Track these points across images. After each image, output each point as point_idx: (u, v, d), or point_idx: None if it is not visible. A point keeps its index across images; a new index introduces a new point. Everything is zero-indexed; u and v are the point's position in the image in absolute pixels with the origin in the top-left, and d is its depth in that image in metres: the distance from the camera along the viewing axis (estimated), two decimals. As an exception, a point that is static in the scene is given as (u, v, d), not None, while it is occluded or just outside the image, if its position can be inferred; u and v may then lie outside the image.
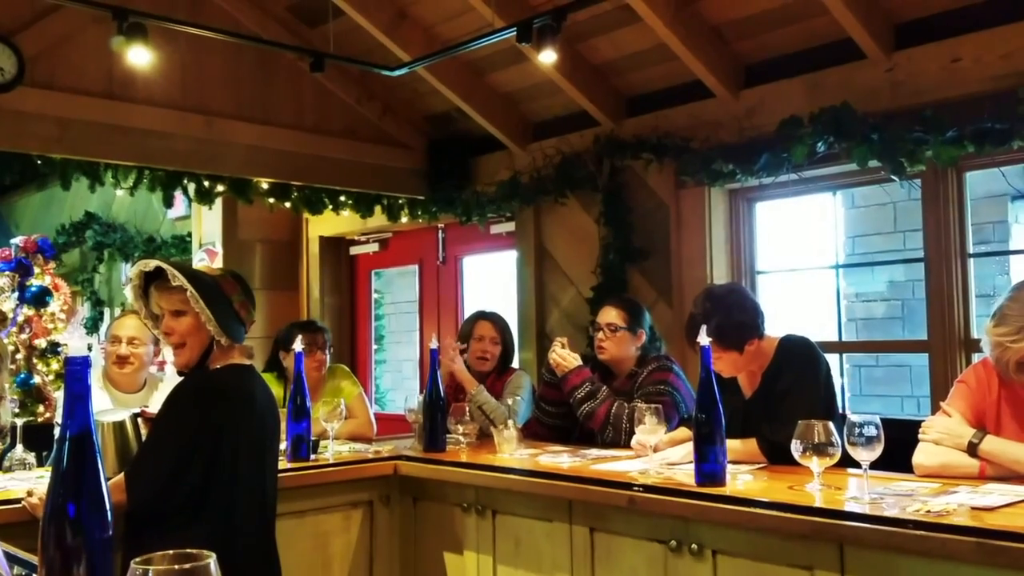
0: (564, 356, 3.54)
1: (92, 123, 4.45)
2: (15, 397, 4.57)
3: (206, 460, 2.49)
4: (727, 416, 2.56)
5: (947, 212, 3.79)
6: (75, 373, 1.15)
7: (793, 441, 2.34)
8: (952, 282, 3.77)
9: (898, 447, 2.44)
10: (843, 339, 5.04)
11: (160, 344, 3.71)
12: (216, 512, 2.50)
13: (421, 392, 3.88)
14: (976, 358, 3.53)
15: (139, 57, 3.79)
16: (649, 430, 2.73)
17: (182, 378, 2.68)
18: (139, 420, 2.98)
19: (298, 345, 3.37)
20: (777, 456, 2.73)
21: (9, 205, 9.77)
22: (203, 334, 2.58)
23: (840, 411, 3.03)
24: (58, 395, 4.61)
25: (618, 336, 3.54)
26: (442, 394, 3.47)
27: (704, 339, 2.56)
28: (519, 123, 5.24)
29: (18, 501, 2.56)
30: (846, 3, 3.57)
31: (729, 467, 2.56)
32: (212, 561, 0.94)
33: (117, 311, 7.58)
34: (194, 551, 0.95)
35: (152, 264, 2.62)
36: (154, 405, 3.17)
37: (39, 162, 4.52)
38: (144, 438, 2.83)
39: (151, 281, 2.64)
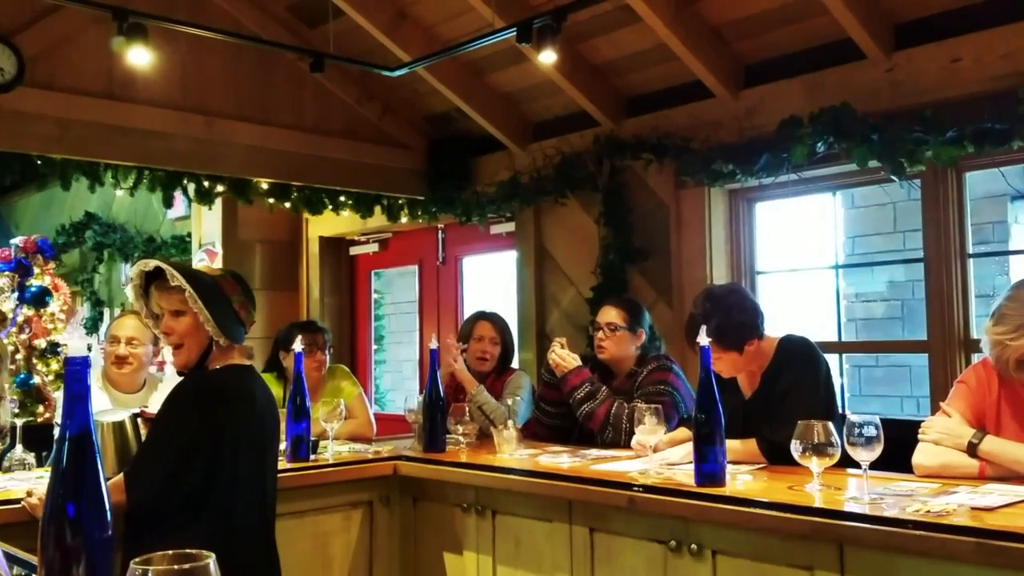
0: (563, 357, 3.54)
1: (92, 123, 4.45)
2: (15, 397, 4.56)
3: (206, 460, 2.49)
4: (727, 416, 2.56)
5: (947, 212, 3.79)
6: (75, 373, 1.15)
7: (793, 441, 2.34)
8: (952, 282, 3.77)
9: (898, 447, 2.44)
10: (843, 339, 5.04)
11: (160, 344, 3.71)
12: (216, 512, 2.50)
13: (421, 392, 3.88)
14: (976, 358, 3.53)
15: (139, 57, 3.79)
16: (649, 430, 2.73)
17: (182, 378, 2.68)
18: (139, 420, 2.98)
19: (298, 345, 3.37)
20: (777, 456, 2.73)
21: (9, 205, 9.78)
22: (202, 334, 2.58)
23: (840, 411, 3.03)
24: (58, 395, 4.60)
25: (618, 335, 3.54)
26: (442, 394, 3.47)
27: (704, 339, 2.56)
28: (519, 123, 5.24)
29: (18, 501, 2.56)
30: (846, 3, 3.57)
31: (729, 467, 2.56)
32: (211, 561, 0.94)
33: (117, 311, 7.58)
34: (193, 551, 0.95)
35: (152, 264, 2.62)
36: (154, 405, 3.17)
37: (39, 162, 4.52)
38: (144, 438, 2.83)
39: (152, 281, 2.65)
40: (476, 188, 5.43)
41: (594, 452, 3.27)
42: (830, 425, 2.33)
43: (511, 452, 3.30)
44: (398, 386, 7.18)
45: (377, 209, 5.74)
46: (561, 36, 3.76)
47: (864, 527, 2.09)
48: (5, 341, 4.52)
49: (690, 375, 3.47)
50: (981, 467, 2.42)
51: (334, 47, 4.61)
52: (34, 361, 4.87)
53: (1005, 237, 6.21)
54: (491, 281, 6.27)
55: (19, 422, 3.32)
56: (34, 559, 1.32)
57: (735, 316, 2.91)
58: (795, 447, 2.34)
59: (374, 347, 6.83)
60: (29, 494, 2.55)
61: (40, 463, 3.25)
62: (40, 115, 4.29)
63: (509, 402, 3.90)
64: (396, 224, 5.92)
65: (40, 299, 4.97)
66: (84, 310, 8.07)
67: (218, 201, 5.71)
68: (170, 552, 0.95)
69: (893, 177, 3.69)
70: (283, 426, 3.08)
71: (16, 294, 4.94)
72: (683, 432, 3.05)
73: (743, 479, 2.60)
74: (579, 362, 3.55)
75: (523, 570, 3.00)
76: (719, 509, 2.39)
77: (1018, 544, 1.86)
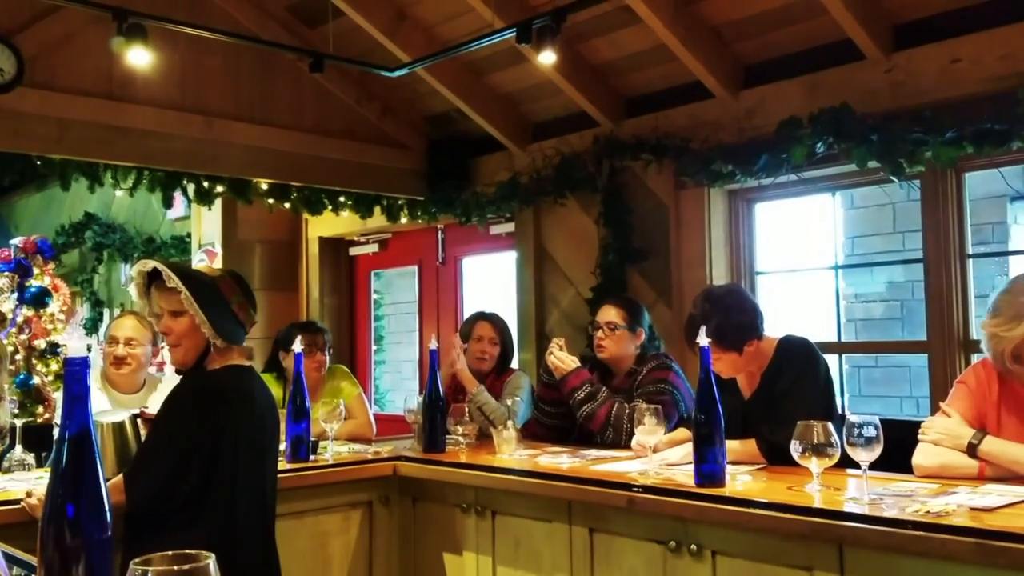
0: (562, 359, 3.54)
1: (91, 124, 4.45)
2: (14, 398, 4.56)
3: (205, 461, 2.49)
4: (726, 417, 2.56)
5: (946, 213, 3.79)
6: (74, 374, 1.15)
7: (792, 442, 2.34)
8: (951, 283, 3.77)
9: (897, 448, 2.44)
10: (842, 340, 5.04)
11: (159, 344, 3.72)
12: (216, 513, 2.50)
13: (420, 393, 3.88)
14: (976, 359, 3.53)
15: (139, 58, 3.79)
16: (648, 431, 2.73)
17: (181, 379, 2.68)
18: (138, 421, 2.98)
19: (297, 346, 3.37)
20: (776, 457, 2.73)
21: (9, 206, 9.77)
22: (199, 335, 2.58)
23: (839, 412, 3.03)
24: (57, 396, 4.60)
25: (617, 335, 3.54)
26: (441, 395, 3.47)
27: (703, 340, 2.56)
28: (519, 124, 5.24)
29: (17, 502, 2.56)
30: (845, 4, 3.57)
31: (728, 468, 2.56)
32: (211, 562, 0.94)
33: (116, 312, 7.58)
34: (193, 552, 0.95)
35: (150, 265, 2.62)
36: (153, 406, 3.17)
37: (39, 163, 4.52)
38: (143, 439, 2.83)
39: (154, 280, 2.65)
40: (476, 188, 5.43)
41: (594, 452, 3.27)
42: (830, 425, 2.33)
43: (511, 452, 3.30)
44: (398, 386, 7.18)
45: (377, 209, 5.74)
46: (561, 36, 3.76)
47: (864, 527, 2.09)
48: (5, 342, 4.52)
49: (690, 375, 3.47)
50: (981, 467, 2.42)
51: (334, 47, 4.61)
52: (34, 362, 4.86)
53: (1004, 238, 6.22)
54: (491, 281, 6.27)
55: (19, 423, 3.32)
56: (33, 560, 1.31)
57: (734, 317, 2.91)
58: (795, 447, 2.34)
59: (374, 347, 6.83)
60: (28, 495, 2.55)
61: (40, 464, 3.25)
62: (40, 115, 4.29)
63: (508, 402, 3.90)
64: (396, 224, 5.92)
65: (40, 299, 4.97)
66: (84, 311, 8.07)
67: (218, 201, 5.71)
68: (170, 553, 0.95)
69: (892, 178, 3.69)
70: (283, 426, 3.08)
71: (16, 294, 4.94)
72: (683, 432, 3.05)
73: (742, 479, 2.60)
74: (577, 363, 3.55)
75: (523, 570, 3.00)
76: (719, 509, 2.39)
77: (1017, 544, 1.86)
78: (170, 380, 3.39)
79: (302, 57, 4.68)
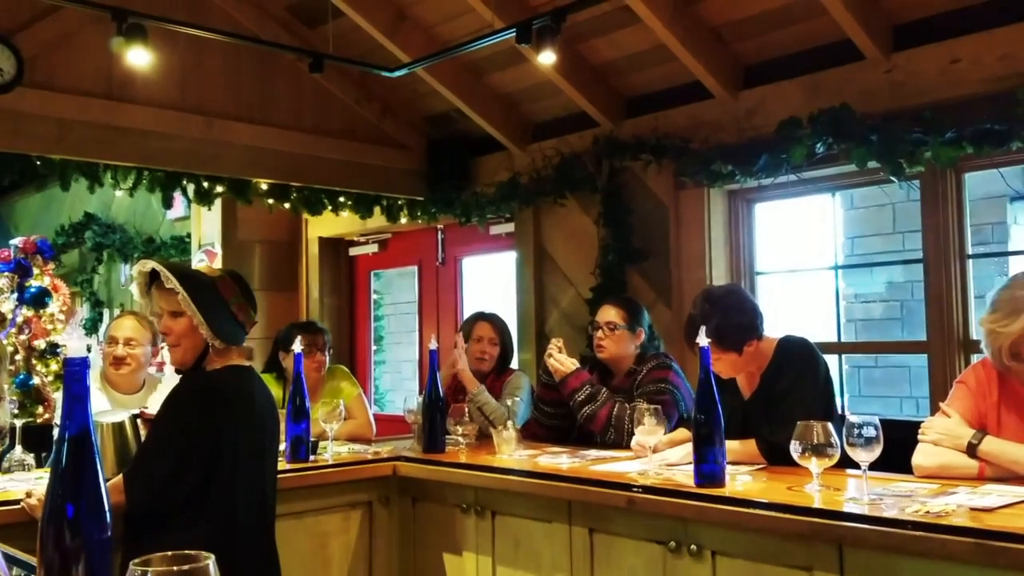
0: (562, 360, 3.53)
1: (91, 124, 4.45)
2: (14, 398, 4.56)
3: (205, 461, 2.49)
4: (726, 417, 2.56)
5: (946, 213, 3.79)
6: (74, 374, 1.15)
7: (792, 442, 2.34)
8: (951, 283, 3.78)
9: (897, 448, 2.44)
10: (842, 340, 5.04)
11: (158, 344, 3.72)
12: (215, 513, 2.50)
13: (420, 393, 3.88)
14: (975, 359, 3.53)
15: (138, 58, 3.79)
16: (648, 431, 2.73)
17: (180, 379, 2.68)
18: (138, 421, 2.98)
19: (297, 346, 3.37)
20: (776, 457, 2.73)
21: (8, 206, 9.77)
22: (198, 336, 2.58)
23: (839, 412, 3.03)
24: (57, 396, 4.60)
25: (617, 335, 3.54)
26: (441, 395, 3.47)
27: (703, 340, 2.56)
28: (518, 124, 5.24)
29: (17, 502, 2.56)
30: (845, 4, 3.57)
31: (728, 468, 2.56)
32: (211, 562, 0.94)
33: (116, 312, 7.58)
34: (192, 552, 0.95)
35: (149, 265, 2.62)
36: (153, 406, 3.16)
37: (38, 163, 4.52)
38: (143, 439, 2.83)
39: (155, 279, 2.65)
40: (475, 189, 5.43)
41: (593, 453, 3.27)
42: (829, 426, 2.33)
43: (510, 453, 3.30)
44: (397, 387, 7.18)
45: (376, 210, 5.74)
46: (560, 37, 3.76)
47: (863, 528, 2.09)
48: (4, 342, 4.52)
49: (689, 376, 3.47)
50: (980, 468, 2.42)
51: (333, 47, 4.61)
52: (33, 362, 4.87)
53: (1004, 238, 6.22)
54: (490, 282, 6.27)
55: (18, 423, 3.32)
56: (33, 560, 1.31)
57: (734, 317, 2.91)
58: (794, 448, 2.34)
59: (373, 348, 6.83)
60: (28, 495, 2.55)
61: (39, 464, 3.25)
62: (39, 115, 4.29)
63: (508, 402, 3.91)
64: (395, 225, 5.92)
65: (39, 300, 4.98)
66: (83, 311, 8.07)
67: (217, 202, 5.71)
68: (169, 553, 0.95)
69: (892, 178, 3.69)
70: (282, 427, 3.08)
71: (16, 295, 4.94)
72: (682, 433, 3.06)
73: (742, 480, 2.60)
74: (577, 365, 3.55)
75: (522, 571, 3.00)
76: (718, 510, 2.39)
77: (1017, 545, 1.86)
78: (170, 380, 3.39)
79: (302, 57, 4.69)
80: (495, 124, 5.15)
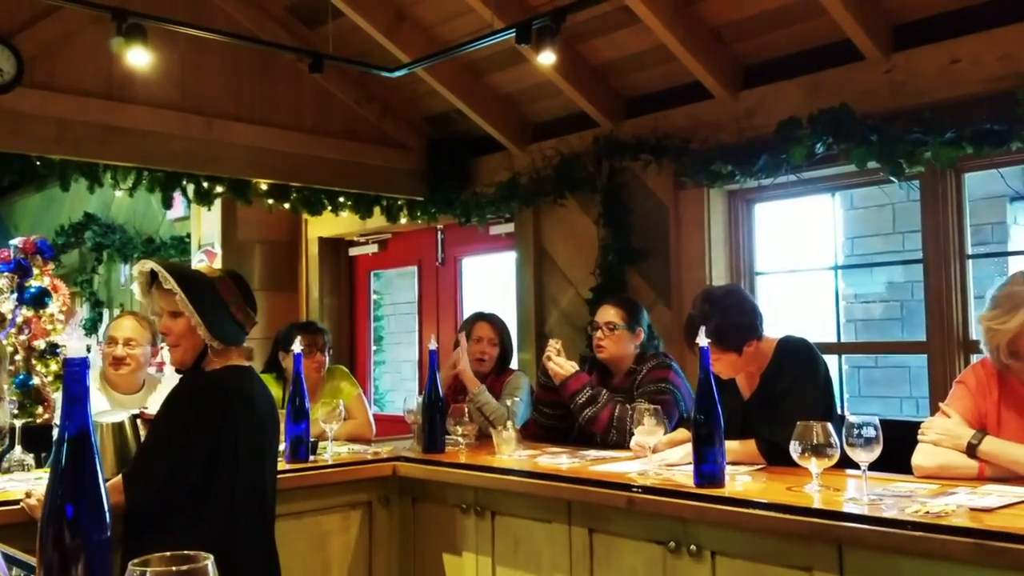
0: (561, 364, 3.53)
1: (91, 124, 4.45)
2: (14, 398, 4.56)
3: (204, 461, 2.49)
4: (726, 417, 2.56)
5: (946, 213, 3.79)
6: (73, 374, 1.15)
7: (792, 442, 2.34)
8: (951, 283, 3.78)
9: (897, 448, 2.44)
10: (842, 340, 5.04)
11: (158, 345, 3.72)
12: (215, 513, 2.50)
13: (420, 393, 3.88)
14: (975, 359, 3.53)
15: (138, 58, 3.79)
16: (648, 431, 2.73)
17: (180, 379, 2.68)
18: (138, 421, 2.98)
19: (297, 346, 3.37)
20: (776, 457, 2.73)
21: (8, 206, 9.77)
22: (197, 336, 2.58)
23: (839, 412, 3.03)
24: (57, 396, 4.60)
25: (616, 335, 3.55)
26: (441, 395, 3.47)
27: (703, 340, 2.56)
28: (518, 124, 5.24)
29: (16, 502, 2.56)
30: (845, 4, 3.57)
31: (728, 468, 2.56)
32: (210, 563, 0.94)
33: (116, 312, 7.58)
34: (191, 552, 0.95)
35: (148, 266, 2.62)
36: (153, 406, 3.16)
37: (38, 163, 4.52)
38: (143, 439, 2.83)
39: (156, 279, 2.65)
40: (475, 189, 5.43)
41: (593, 453, 3.27)
42: (829, 426, 2.33)
43: (510, 453, 3.30)
44: (397, 387, 7.18)
45: (376, 210, 5.74)
46: (560, 37, 3.76)
47: (863, 528, 2.09)
48: (4, 342, 4.52)
49: (689, 376, 3.47)
50: (980, 468, 2.42)
51: (333, 48, 4.61)
52: (33, 362, 4.87)
53: (1004, 238, 6.22)
54: (490, 282, 6.27)
55: (18, 423, 3.32)
56: (33, 560, 1.31)
57: (734, 317, 2.91)
58: (794, 448, 2.34)
59: (373, 348, 6.83)
60: (28, 495, 2.55)
61: (39, 464, 3.25)
62: (39, 116, 4.29)
63: (508, 403, 3.91)
64: (395, 225, 5.92)
65: (39, 300, 4.98)
66: (83, 311, 8.07)
67: (217, 202, 5.71)
68: (168, 553, 0.95)
69: (892, 178, 3.69)
70: (282, 427, 3.08)
71: (15, 295, 4.94)
72: (682, 433, 3.06)
73: (742, 480, 2.60)
74: (576, 367, 3.55)
75: (522, 571, 3.00)
76: (718, 510, 2.39)
77: (1017, 545, 1.87)
78: (170, 380, 3.40)
79: (302, 57, 4.69)
80: (495, 124, 5.15)
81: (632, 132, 4.66)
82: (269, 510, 2.72)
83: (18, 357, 4.86)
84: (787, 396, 2.85)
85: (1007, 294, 2.44)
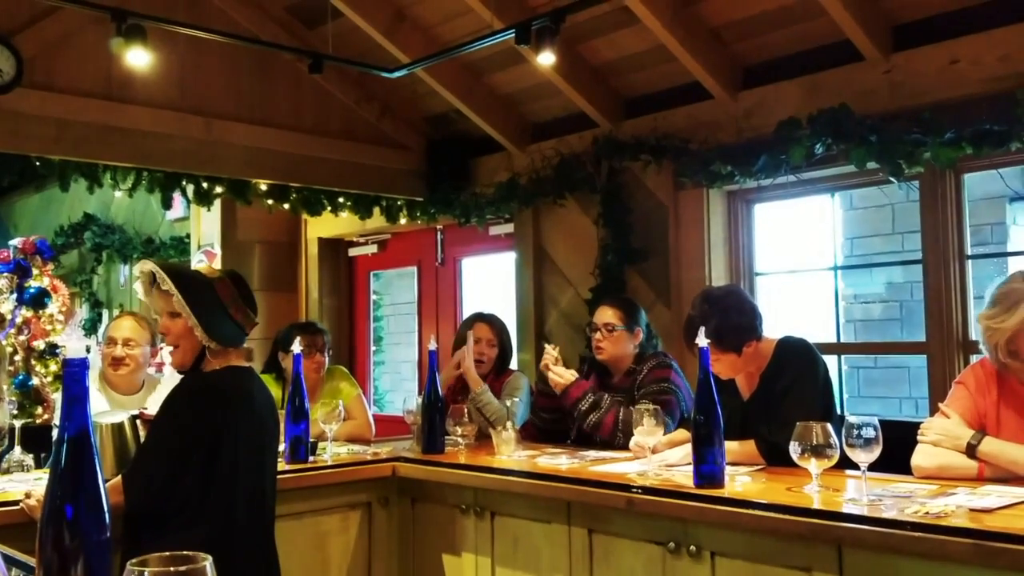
0: (560, 373, 3.53)
1: (91, 124, 4.45)
2: (13, 399, 4.56)
3: (204, 461, 2.49)
4: (725, 418, 2.56)
5: (945, 214, 3.79)
6: (73, 375, 1.15)
7: (791, 443, 2.34)
8: (950, 284, 3.78)
9: (896, 449, 2.44)
10: (841, 341, 5.04)
11: (157, 345, 3.72)
12: (215, 513, 2.50)
13: (420, 393, 3.88)
14: (975, 359, 3.53)
15: (138, 58, 3.79)
16: (647, 431, 2.73)
17: (180, 379, 2.68)
18: (137, 422, 2.98)
19: (297, 347, 3.37)
20: (775, 458, 2.73)
21: (8, 206, 9.77)
22: (195, 337, 2.58)
23: (838, 413, 3.04)
24: (56, 397, 4.60)
25: (615, 335, 3.55)
26: (440, 395, 3.47)
27: (702, 341, 2.56)
28: (518, 124, 5.24)
29: (16, 503, 2.56)
30: (844, 5, 3.57)
31: (727, 469, 2.56)
32: (208, 563, 0.94)
33: (115, 312, 7.58)
34: (190, 553, 0.95)
35: (148, 266, 2.62)
36: (152, 406, 3.16)
37: (38, 163, 4.52)
38: (142, 440, 2.83)
39: (155, 281, 2.65)
40: (475, 189, 5.43)
41: (592, 453, 3.27)
42: (829, 426, 2.33)
43: (510, 453, 3.30)
44: (397, 387, 7.18)
45: (376, 210, 5.74)
46: (560, 37, 3.76)
47: (862, 528, 2.09)
48: (4, 342, 4.52)
49: (689, 376, 3.47)
50: (980, 468, 2.42)
51: (333, 48, 4.61)
52: (33, 362, 4.86)
53: (1003, 238, 6.22)
54: (490, 282, 6.27)
55: (18, 423, 3.32)
56: (32, 561, 1.31)
57: (733, 318, 2.91)
58: (794, 448, 2.34)
59: (373, 348, 6.83)
60: (27, 496, 2.55)
61: (38, 464, 3.25)
62: (39, 116, 4.29)
63: (508, 403, 3.91)
64: (395, 225, 5.92)
65: (39, 300, 4.97)
66: (83, 311, 8.06)
67: (217, 202, 5.71)
68: (167, 553, 0.95)
69: (891, 179, 3.69)
70: (282, 427, 3.08)
71: (15, 295, 4.94)
72: (682, 433, 3.06)
73: (741, 480, 2.60)
74: (575, 375, 3.55)
75: (522, 571, 3.00)
76: (718, 510, 2.39)
77: (1016, 545, 1.87)
78: (169, 381, 3.40)
79: (301, 58, 4.68)
80: (494, 124, 5.15)
81: (632, 132, 4.66)
82: (269, 510, 2.72)
83: (17, 357, 4.85)
84: (787, 396, 2.85)
85: (1006, 292, 2.44)
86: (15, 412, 4.40)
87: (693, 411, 2.59)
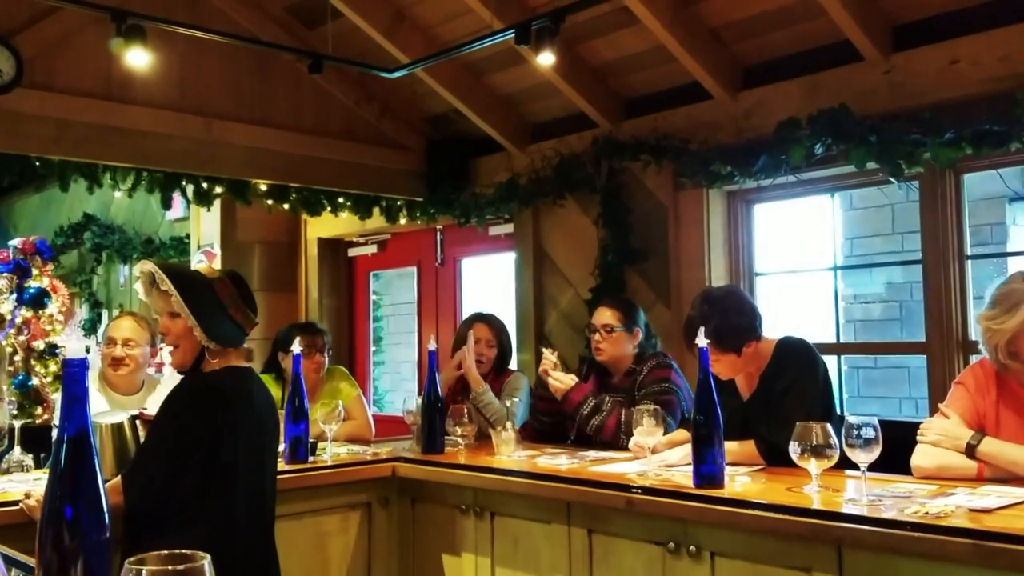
0: (560, 379, 3.54)
1: (90, 124, 4.45)
2: (13, 399, 4.56)
3: (203, 462, 2.49)
4: (725, 418, 2.56)
5: (945, 214, 3.79)
6: (73, 375, 1.15)
7: (791, 443, 2.34)
8: (950, 284, 3.78)
9: (896, 449, 2.45)
10: (841, 341, 5.04)
11: (157, 345, 3.72)
12: (215, 513, 2.50)
13: (419, 394, 3.89)
14: (974, 359, 3.53)
15: (137, 59, 3.79)
16: (647, 431, 2.73)
17: (180, 380, 2.68)
18: (137, 422, 2.98)
19: (296, 347, 3.37)
20: (775, 458, 2.73)
21: (7, 206, 9.77)
22: (195, 337, 2.58)
23: (838, 413, 3.03)
24: (56, 397, 4.60)
25: (614, 336, 3.55)
26: (440, 396, 3.47)
27: (702, 341, 2.56)
28: (518, 125, 5.24)
29: (16, 503, 2.56)
30: (844, 5, 3.57)
31: (727, 469, 2.56)
32: (206, 562, 0.94)
33: (115, 313, 7.58)
34: (188, 552, 0.95)
35: (147, 267, 2.62)
36: (152, 406, 3.16)
37: (37, 163, 4.52)
38: (142, 440, 2.83)
39: (155, 281, 2.65)
40: (475, 189, 5.43)
41: (592, 454, 3.27)
42: (828, 427, 2.33)
43: (510, 454, 3.30)
44: (396, 387, 7.18)
45: (376, 210, 5.74)
46: (560, 38, 3.76)
47: (862, 528, 2.09)
48: (3, 343, 4.52)
49: (688, 377, 3.47)
50: (979, 468, 2.42)
51: (332, 48, 4.61)
52: (32, 363, 4.86)
53: (1003, 239, 6.22)
54: (490, 282, 6.27)
55: (17, 424, 3.32)
56: (32, 561, 1.31)
57: (733, 318, 2.91)
58: (793, 449, 2.34)
59: (372, 348, 6.83)
60: (27, 496, 2.55)
61: (38, 465, 3.25)
62: (38, 116, 4.29)
63: (508, 403, 3.91)
64: (395, 225, 5.92)
65: (38, 300, 4.97)
66: (82, 311, 8.06)
67: (216, 202, 5.71)
68: (164, 552, 0.95)
69: (891, 179, 3.69)
70: (282, 428, 3.08)
71: (14, 295, 4.94)
72: (681, 434, 3.06)
73: (741, 481, 2.60)
74: (575, 379, 3.55)
75: (521, 571, 3.00)
76: (717, 511, 2.39)
77: (1016, 546, 1.87)
78: (169, 381, 3.40)
79: (301, 58, 4.68)
80: (494, 125, 5.15)
81: (631, 133, 4.66)
82: (269, 511, 2.72)
83: (17, 358, 4.85)
84: (786, 397, 2.85)
85: (1006, 293, 2.44)
86: (15, 412, 4.40)
87: (693, 411, 2.59)
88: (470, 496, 3.15)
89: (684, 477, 2.62)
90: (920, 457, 2.52)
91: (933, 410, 2.77)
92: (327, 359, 4.19)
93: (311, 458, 3.32)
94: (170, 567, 0.93)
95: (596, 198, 4.77)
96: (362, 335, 6.78)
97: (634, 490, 2.60)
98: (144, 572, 0.92)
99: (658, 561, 2.57)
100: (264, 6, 5.05)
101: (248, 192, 5.28)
